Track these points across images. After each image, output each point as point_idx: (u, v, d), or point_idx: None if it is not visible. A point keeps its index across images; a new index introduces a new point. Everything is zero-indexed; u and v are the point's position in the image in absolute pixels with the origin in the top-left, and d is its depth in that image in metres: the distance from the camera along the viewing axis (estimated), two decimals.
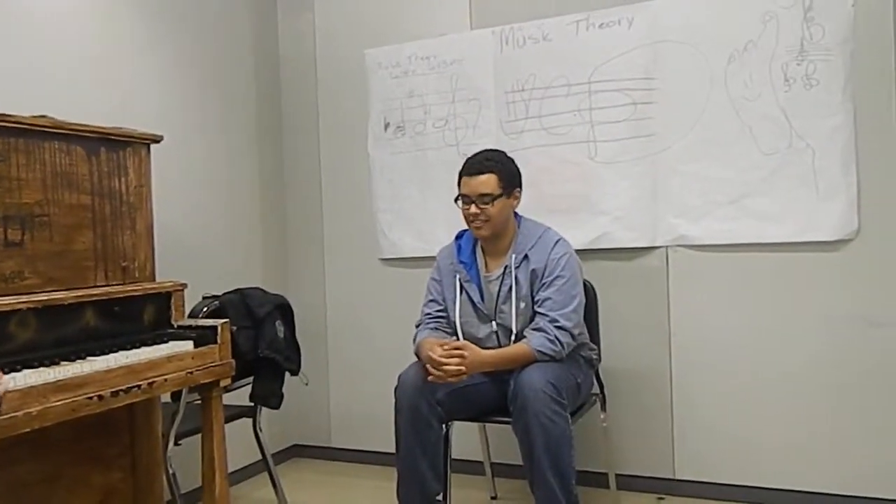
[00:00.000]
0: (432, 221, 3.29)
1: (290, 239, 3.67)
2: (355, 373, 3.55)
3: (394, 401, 2.35)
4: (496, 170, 2.38)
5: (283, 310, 2.86)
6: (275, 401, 2.81)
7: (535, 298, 2.40)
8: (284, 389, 2.86)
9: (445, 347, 2.30)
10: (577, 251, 2.53)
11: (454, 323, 2.47)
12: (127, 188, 2.38)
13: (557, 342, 2.30)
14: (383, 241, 3.43)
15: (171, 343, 2.30)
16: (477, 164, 2.38)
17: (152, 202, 2.44)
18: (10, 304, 1.98)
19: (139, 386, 2.10)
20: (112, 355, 2.12)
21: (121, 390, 2.05)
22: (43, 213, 2.17)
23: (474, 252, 2.50)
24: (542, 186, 2.95)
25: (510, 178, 2.43)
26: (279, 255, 3.63)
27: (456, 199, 2.43)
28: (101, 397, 1.99)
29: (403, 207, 3.37)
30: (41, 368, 1.95)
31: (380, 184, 3.42)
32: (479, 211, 2.37)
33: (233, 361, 2.42)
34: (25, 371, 1.90)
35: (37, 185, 2.15)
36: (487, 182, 2.37)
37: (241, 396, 2.85)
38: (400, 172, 3.37)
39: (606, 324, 2.80)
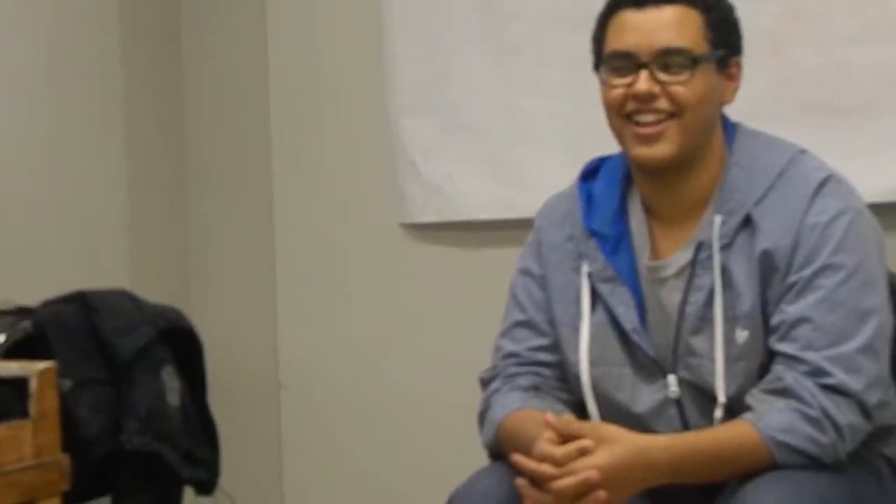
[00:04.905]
0: (529, 137, 3.38)
1: (192, 180, 3.84)
2: (350, 487, 3.67)
3: None
4: (697, 1, 2.40)
5: (178, 341, 2.96)
6: None
7: (773, 320, 2.42)
8: None
9: (556, 430, 2.33)
10: (878, 207, 2.56)
11: (576, 376, 2.53)
12: None
13: (826, 422, 2.30)
14: (414, 183, 3.55)
15: None
16: None
17: None
18: None
19: None
20: None
21: None
22: None
23: (624, 209, 2.56)
24: (788, 52, 3.04)
25: (726, 26, 2.46)
26: (169, 219, 3.79)
27: (597, 67, 2.46)
28: None
29: (461, 104, 3.47)
30: None
31: (406, 49, 3.54)
32: (655, 90, 2.38)
33: (67, 459, 2.47)
34: None
35: None
36: (679, 22, 2.40)
37: None
38: (452, 23, 3.47)
39: None
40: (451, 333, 3.47)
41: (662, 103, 2.36)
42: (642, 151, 2.40)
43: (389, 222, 3.58)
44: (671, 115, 2.36)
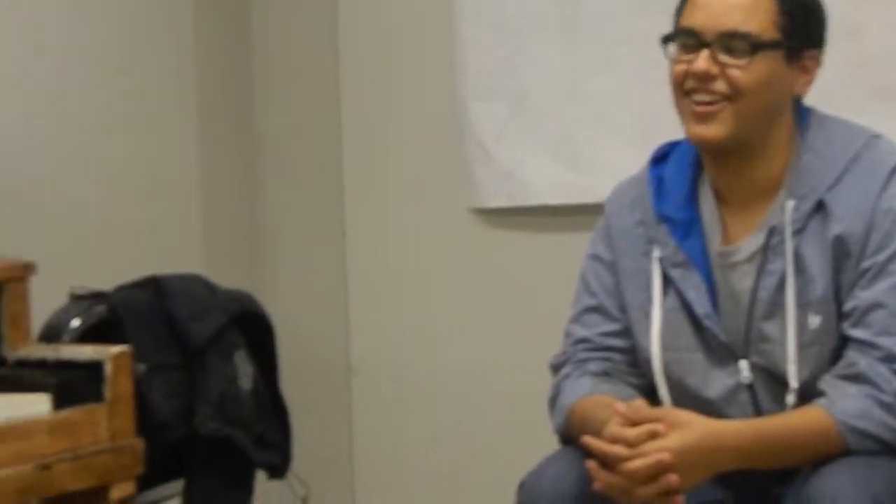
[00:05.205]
0: (600, 120, 3.38)
1: (263, 164, 3.85)
2: (419, 475, 3.69)
3: None
4: None
5: (251, 326, 2.96)
6: None
7: (847, 305, 2.40)
8: None
9: (627, 417, 2.33)
10: None
11: (647, 361, 2.53)
12: None
13: None
14: (484, 167, 3.56)
15: (2, 399, 2.39)
16: None
17: None
18: None
19: None
20: None
21: None
22: None
23: (695, 194, 2.54)
24: (863, 36, 3.01)
25: (804, 16, 2.42)
26: (240, 205, 3.81)
27: (665, 40, 2.45)
28: None
29: (531, 87, 3.47)
30: None
31: (475, 33, 3.53)
32: (713, 71, 2.37)
33: (141, 443, 2.50)
34: None
35: None
36: (751, 6, 2.38)
37: None
38: (522, 5, 3.47)
39: None
40: (521, 318, 3.46)
41: (719, 85, 2.35)
42: (695, 129, 2.39)
43: (460, 207, 3.58)
44: (727, 98, 2.35)
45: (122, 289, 2.89)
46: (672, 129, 2.55)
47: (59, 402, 2.40)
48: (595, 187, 3.16)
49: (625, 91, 3.31)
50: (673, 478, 2.20)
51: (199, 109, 3.70)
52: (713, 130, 2.37)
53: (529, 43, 3.45)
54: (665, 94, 2.51)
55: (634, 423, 2.26)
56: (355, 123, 3.74)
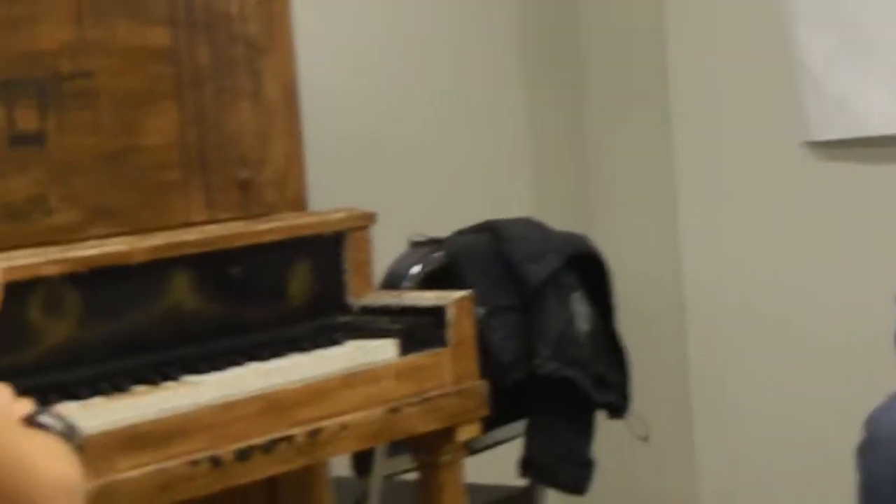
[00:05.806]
0: None
1: (590, 107, 3.86)
2: (757, 413, 3.66)
3: (859, 478, 2.36)
4: None
5: (587, 268, 2.94)
6: (573, 475, 2.90)
7: None
8: (598, 449, 2.94)
9: None
10: None
11: None
12: (241, 8, 2.52)
13: None
14: (816, 99, 3.50)
15: (350, 345, 2.42)
16: None
17: (293, 40, 2.59)
18: (27, 265, 2.10)
19: (289, 438, 2.22)
20: (230, 372, 2.25)
21: (253, 448, 2.16)
22: (78, 72, 2.32)
23: None
24: None
25: None
26: (570, 147, 3.82)
27: None
28: (215, 461, 2.12)
29: (864, 16, 3.40)
30: (90, 400, 2.08)
31: None
32: None
33: (485, 385, 2.52)
34: (60, 406, 2.01)
35: (61, 12, 2.31)
36: None
37: (501, 463, 2.95)
38: None
39: None
40: (860, 253, 3.41)
41: None
42: None
43: (791, 140, 3.54)
44: None
45: (459, 234, 2.94)
46: None
47: (405, 348, 2.45)
48: None
49: None
50: None
51: (525, 58, 3.73)
52: None
53: None
54: None
55: None
56: (682, 60, 3.72)
